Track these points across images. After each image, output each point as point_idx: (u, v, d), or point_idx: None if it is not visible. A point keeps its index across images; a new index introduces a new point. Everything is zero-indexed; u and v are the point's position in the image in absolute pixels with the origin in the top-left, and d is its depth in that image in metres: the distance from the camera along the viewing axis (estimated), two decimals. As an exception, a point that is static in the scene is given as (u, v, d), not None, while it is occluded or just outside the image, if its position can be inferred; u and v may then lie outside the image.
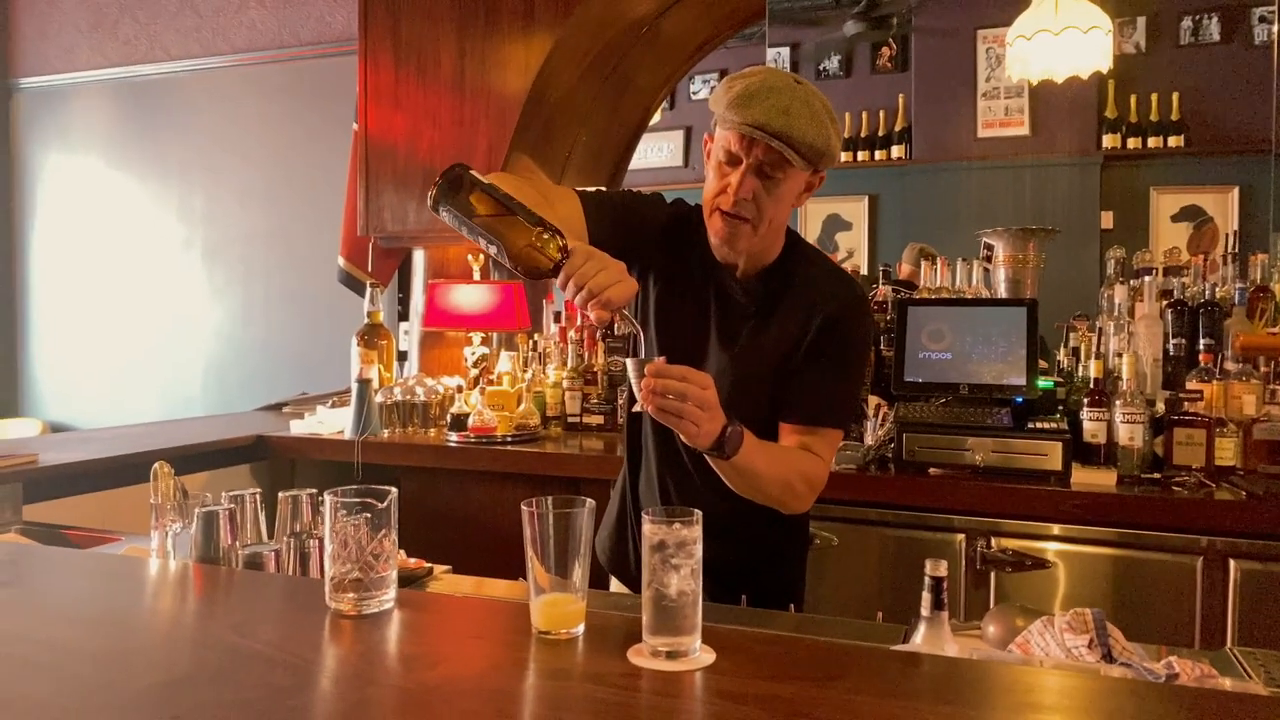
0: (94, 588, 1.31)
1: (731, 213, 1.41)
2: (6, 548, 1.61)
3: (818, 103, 1.37)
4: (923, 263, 2.83)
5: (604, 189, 1.71)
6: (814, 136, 1.35)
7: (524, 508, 1.03)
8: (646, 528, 0.99)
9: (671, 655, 0.97)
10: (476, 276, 3.24)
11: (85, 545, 1.84)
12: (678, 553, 0.98)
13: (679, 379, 1.25)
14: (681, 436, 1.31)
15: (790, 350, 1.49)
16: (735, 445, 1.32)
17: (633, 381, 1.30)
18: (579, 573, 1.04)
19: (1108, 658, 1.11)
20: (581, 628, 1.04)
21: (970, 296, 2.73)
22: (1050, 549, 2.14)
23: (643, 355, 1.31)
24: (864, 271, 4.17)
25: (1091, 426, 2.28)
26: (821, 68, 5.59)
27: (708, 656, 0.97)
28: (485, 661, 1.03)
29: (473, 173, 1.30)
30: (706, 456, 1.35)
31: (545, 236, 1.23)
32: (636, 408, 1.30)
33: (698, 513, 1.00)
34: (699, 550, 0.99)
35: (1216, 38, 4.77)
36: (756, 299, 1.51)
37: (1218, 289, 2.57)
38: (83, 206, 5.12)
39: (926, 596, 1.11)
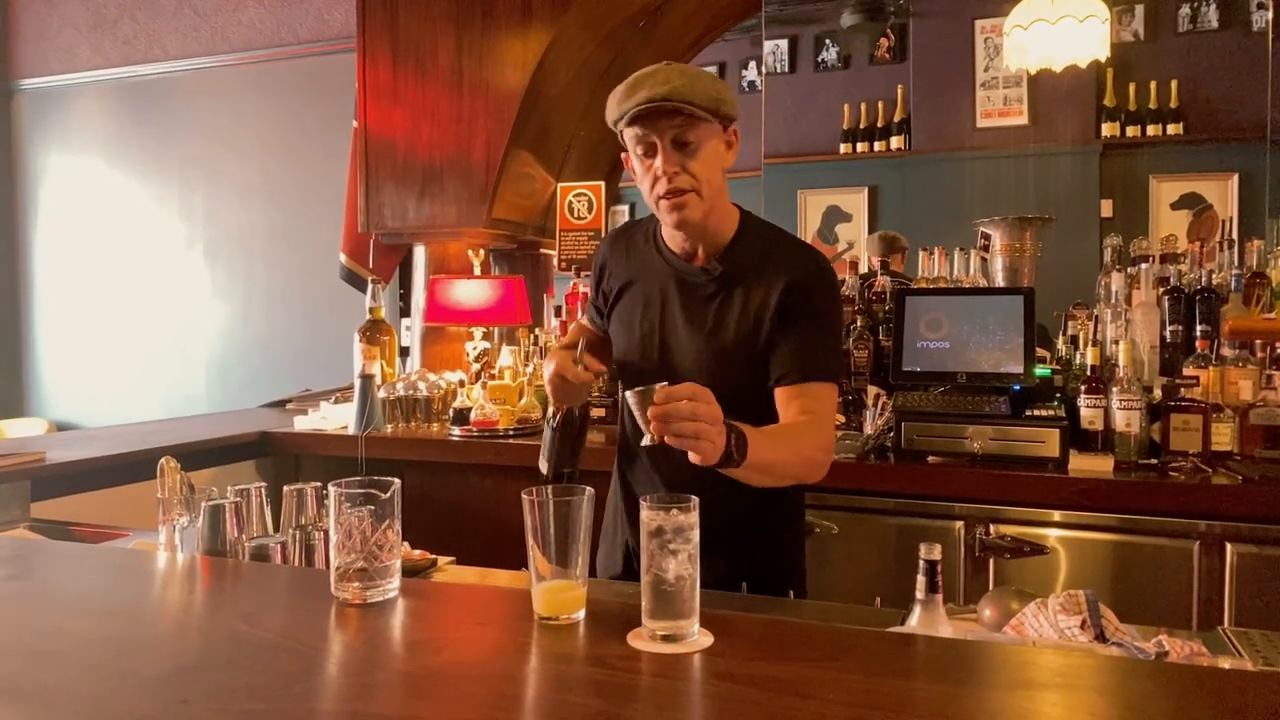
0: (104, 580, 1.33)
1: (671, 190, 1.45)
2: (17, 543, 1.63)
3: (693, 68, 1.46)
4: (892, 251, 2.85)
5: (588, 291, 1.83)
6: (703, 87, 1.42)
7: (524, 496, 1.06)
8: (644, 514, 1.01)
9: (670, 638, 0.99)
10: (477, 271, 3.26)
11: (93, 541, 1.87)
12: (675, 538, 1.00)
13: (688, 398, 1.22)
14: (693, 456, 1.26)
15: (758, 321, 1.51)
16: (744, 448, 1.29)
17: (636, 414, 1.27)
18: (579, 560, 1.06)
19: (1100, 638, 1.13)
20: (582, 613, 1.06)
21: (968, 286, 2.75)
22: (1048, 535, 2.15)
23: (633, 388, 1.28)
24: (863, 265, 4.17)
25: (1089, 413, 2.30)
26: (820, 59, 5.60)
27: (706, 639, 0.99)
28: (488, 647, 1.05)
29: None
30: (720, 470, 1.30)
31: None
32: (646, 440, 1.25)
33: (695, 499, 1.01)
34: (696, 536, 1.01)
35: (1215, 25, 4.77)
36: (717, 278, 1.55)
37: (1214, 275, 2.58)
38: (84, 207, 5.14)
39: (921, 580, 1.13)
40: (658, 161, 1.45)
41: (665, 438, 1.23)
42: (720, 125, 1.47)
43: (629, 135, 1.48)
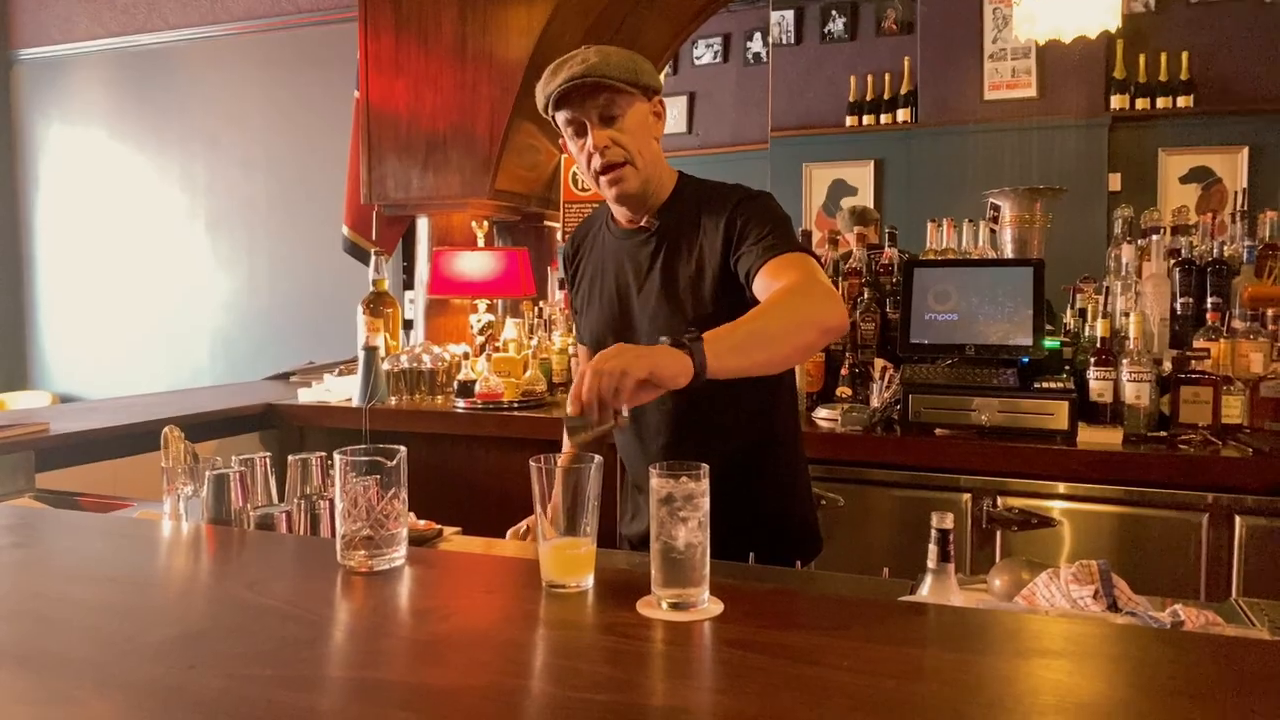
0: (109, 548, 1.32)
1: (606, 164, 1.48)
2: (22, 511, 1.63)
3: (611, 47, 1.49)
4: (856, 228, 2.83)
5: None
6: (618, 60, 1.46)
7: (532, 464, 1.04)
8: (654, 481, 1.00)
9: (680, 606, 0.98)
10: (481, 243, 3.23)
11: (98, 511, 1.86)
12: (685, 505, 0.99)
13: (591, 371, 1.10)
14: (664, 376, 1.12)
15: (708, 260, 1.50)
16: (698, 347, 1.16)
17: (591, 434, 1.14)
18: (587, 529, 1.05)
19: (1113, 608, 1.12)
20: (590, 580, 1.05)
21: (976, 257, 2.72)
22: (1056, 507, 2.15)
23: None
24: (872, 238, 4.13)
25: (1098, 386, 2.28)
26: (826, 30, 5.53)
27: (716, 607, 0.98)
28: (497, 614, 1.04)
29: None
30: (714, 377, 1.17)
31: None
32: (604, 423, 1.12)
33: (704, 467, 1.00)
34: (706, 503, 1.00)
35: (1228, -5, 4.70)
36: (656, 232, 1.56)
37: (1225, 247, 2.56)
38: (86, 178, 5.11)
39: (933, 549, 1.12)
40: (589, 140, 1.48)
41: (625, 411, 1.13)
42: (644, 96, 1.50)
43: (560, 119, 1.51)
